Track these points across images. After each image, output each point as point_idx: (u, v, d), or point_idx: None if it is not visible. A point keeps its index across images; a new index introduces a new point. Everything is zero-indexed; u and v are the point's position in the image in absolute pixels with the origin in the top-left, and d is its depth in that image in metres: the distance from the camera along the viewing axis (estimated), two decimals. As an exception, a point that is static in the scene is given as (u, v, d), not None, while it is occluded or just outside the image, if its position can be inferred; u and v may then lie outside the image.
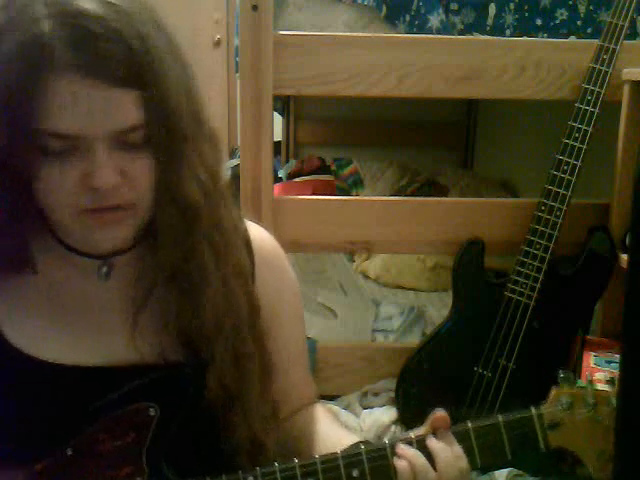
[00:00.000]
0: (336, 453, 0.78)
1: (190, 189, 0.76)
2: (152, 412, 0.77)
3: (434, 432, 0.80)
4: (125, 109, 0.69)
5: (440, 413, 0.80)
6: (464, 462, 0.78)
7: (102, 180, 0.69)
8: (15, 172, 0.70)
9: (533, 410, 0.81)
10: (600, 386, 0.84)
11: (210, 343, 0.80)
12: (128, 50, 0.68)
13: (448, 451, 0.78)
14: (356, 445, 0.81)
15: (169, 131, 0.72)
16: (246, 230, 0.90)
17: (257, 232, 0.92)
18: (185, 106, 0.74)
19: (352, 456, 0.78)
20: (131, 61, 0.68)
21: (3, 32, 0.67)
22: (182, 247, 0.78)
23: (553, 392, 0.82)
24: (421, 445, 0.79)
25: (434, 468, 0.77)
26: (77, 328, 0.81)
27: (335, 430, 0.91)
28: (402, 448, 0.78)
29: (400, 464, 0.77)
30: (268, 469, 0.78)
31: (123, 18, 0.69)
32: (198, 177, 0.77)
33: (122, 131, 0.70)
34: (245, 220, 0.92)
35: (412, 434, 0.80)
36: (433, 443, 0.78)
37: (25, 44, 0.66)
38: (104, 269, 0.80)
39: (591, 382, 0.84)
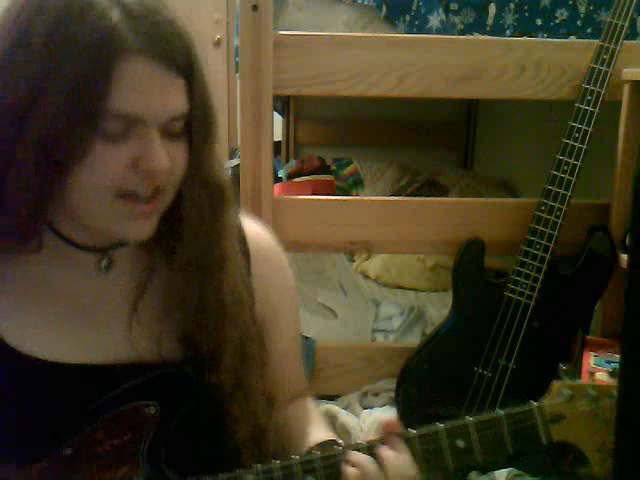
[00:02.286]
0: (293, 458, 0.78)
1: (221, 175, 0.80)
2: (151, 411, 0.77)
3: (384, 439, 0.79)
4: (179, 97, 0.73)
5: (390, 419, 0.80)
6: (412, 471, 0.78)
7: (160, 161, 0.71)
8: (60, 155, 0.69)
9: (534, 403, 0.81)
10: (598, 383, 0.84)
11: (218, 335, 0.81)
12: (184, 38, 0.72)
13: (397, 460, 0.77)
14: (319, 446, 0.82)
15: (206, 121, 0.77)
16: (241, 225, 0.90)
17: (253, 228, 0.93)
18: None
19: (307, 463, 0.78)
20: (187, 51, 0.73)
21: (71, 22, 0.68)
22: (209, 231, 0.80)
23: (554, 385, 0.82)
24: (371, 452, 0.78)
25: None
26: (75, 326, 0.80)
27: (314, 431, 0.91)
28: (353, 454, 0.78)
29: (351, 471, 0.77)
30: (267, 467, 0.78)
31: (172, 11, 0.74)
32: (221, 164, 0.82)
33: (174, 118, 0.73)
34: (242, 216, 0.93)
35: (364, 441, 0.80)
36: (382, 451, 0.78)
37: (98, 33, 0.68)
38: (104, 262, 0.81)
39: (592, 374, 0.84)
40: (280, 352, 0.93)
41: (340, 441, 0.88)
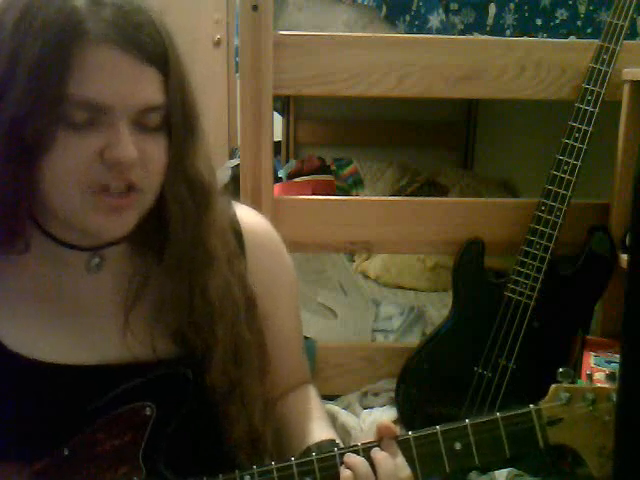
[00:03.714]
0: (290, 460, 0.79)
1: (205, 172, 0.79)
2: (148, 412, 0.77)
3: (379, 442, 0.80)
4: (151, 87, 0.71)
5: (385, 422, 0.81)
6: (405, 473, 0.78)
7: (125, 152, 0.70)
8: (29, 144, 0.69)
9: (531, 406, 0.81)
10: (600, 385, 0.84)
11: (208, 334, 0.81)
12: (155, 30, 0.71)
13: (390, 462, 0.77)
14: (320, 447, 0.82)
15: (185, 116, 0.75)
16: (235, 216, 0.90)
17: (248, 216, 0.92)
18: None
19: (304, 464, 0.78)
20: (158, 40, 0.71)
21: (38, 7, 0.68)
22: (193, 229, 0.79)
23: (552, 388, 0.82)
24: (367, 454, 0.79)
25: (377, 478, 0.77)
26: (69, 327, 0.80)
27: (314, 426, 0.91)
28: (349, 456, 0.78)
29: (345, 473, 0.77)
30: (265, 468, 0.78)
31: (146, 4, 0.73)
32: (206, 162, 0.80)
33: (145, 109, 0.71)
34: (237, 205, 0.93)
35: (360, 443, 0.80)
36: (376, 453, 0.78)
37: (60, 17, 0.68)
38: (95, 260, 0.80)
39: (591, 377, 0.84)
40: (281, 340, 0.93)
41: (338, 440, 0.88)
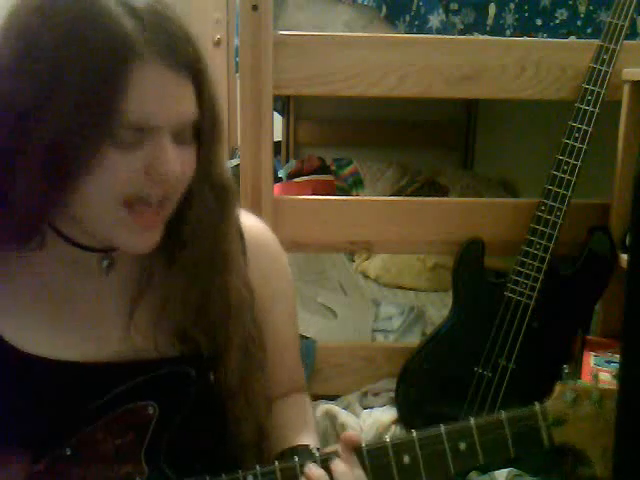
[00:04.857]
0: (253, 469, 0.79)
1: (226, 175, 0.81)
2: (151, 410, 0.77)
3: (339, 453, 0.79)
4: (190, 102, 0.72)
5: (348, 433, 0.80)
6: None
7: (171, 167, 0.71)
8: (68, 162, 0.68)
9: (537, 405, 0.81)
10: (602, 385, 0.83)
11: (223, 333, 0.82)
12: (193, 45, 0.72)
13: (348, 475, 0.77)
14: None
15: (214, 124, 0.76)
16: (237, 218, 0.91)
17: (250, 222, 0.93)
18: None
19: (267, 474, 0.78)
20: (193, 54, 0.72)
21: (83, 28, 0.67)
22: (215, 232, 0.80)
23: (557, 387, 0.82)
24: (325, 465, 0.79)
25: None
26: (74, 324, 0.81)
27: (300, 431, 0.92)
28: (309, 468, 0.78)
29: None
30: (268, 468, 0.79)
31: (181, 16, 0.73)
32: (225, 165, 0.82)
33: (185, 123, 0.72)
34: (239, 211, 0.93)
35: (317, 454, 0.80)
36: (334, 465, 0.78)
37: (108, 39, 0.67)
38: (106, 262, 0.80)
39: (597, 377, 0.83)
40: (278, 343, 0.94)
41: (312, 446, 0.88)
